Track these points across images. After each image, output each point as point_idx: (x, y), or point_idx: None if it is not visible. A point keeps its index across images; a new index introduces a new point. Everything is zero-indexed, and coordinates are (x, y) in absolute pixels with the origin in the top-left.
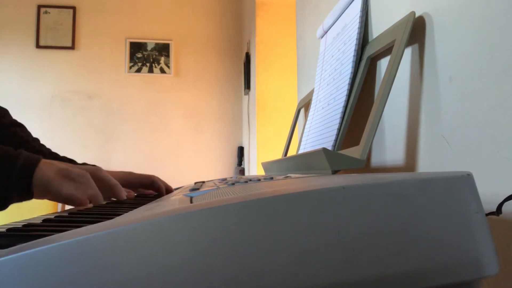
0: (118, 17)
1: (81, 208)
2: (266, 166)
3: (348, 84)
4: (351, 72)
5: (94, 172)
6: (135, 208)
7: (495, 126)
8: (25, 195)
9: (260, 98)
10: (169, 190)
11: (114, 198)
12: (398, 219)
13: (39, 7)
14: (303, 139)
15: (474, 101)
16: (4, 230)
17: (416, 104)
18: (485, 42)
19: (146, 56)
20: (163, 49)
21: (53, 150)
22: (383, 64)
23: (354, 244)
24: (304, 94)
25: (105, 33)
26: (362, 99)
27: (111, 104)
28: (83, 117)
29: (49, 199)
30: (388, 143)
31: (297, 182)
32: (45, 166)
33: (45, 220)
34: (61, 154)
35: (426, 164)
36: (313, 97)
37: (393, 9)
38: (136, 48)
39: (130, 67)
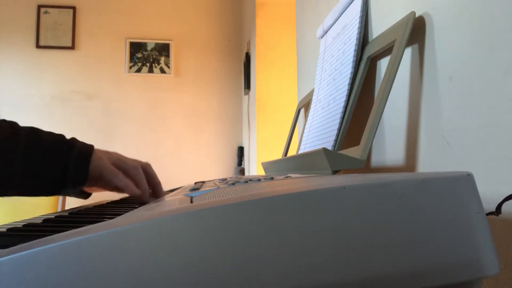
0: (118, 17)
1: (81, 208)
2: (266, 166)
3: (348, 84)
4: (351, 72)
5: (145, 167)
6: (135, 208)
7: (495, 126)
8: (80, 181)
9: (260, 98)
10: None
11: (154, 195)
12: (398, 219)
13: (39, 7)
14: (303, 139)
15: (474, 101)
16: (4, 230)
17: (416, 104)
18: (485, 42)
19: (146, 56)
20: (163, 49)
21: None
22: (383, 64)
23: (355, 244)
24: (304, 94)
25: (105, 33)
26: (362, 99)
27: (111, 104)
28: (83, 117)
29: (99, 187)
30: (388, 143)
31: (298, 182)
32: (100, 155)
33: (45, 220)
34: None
35: (426, 164)
36: (313, 97)
37: (393, 9)
38: (136, 48)
39: (130, 67)
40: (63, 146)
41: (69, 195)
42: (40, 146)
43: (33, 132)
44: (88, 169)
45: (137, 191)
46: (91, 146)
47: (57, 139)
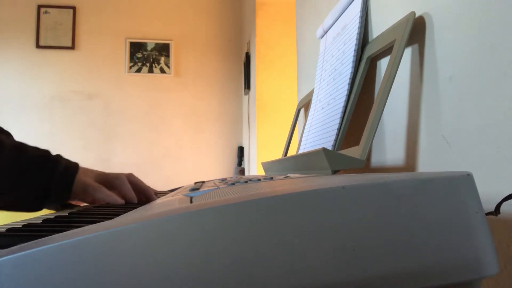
0: (118, 17)
1: (81, 208)
2: (266, 166)
3: (348, 84)
4: (351, 72)
5: (128, 177)
6: (135, 208)
7: (495, 126)
8: (64, 197)
9: (260, 98)
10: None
11: (146, 200)
12: (398, 219)
13: (39, 7)
14: (303, 139)
15: (474, 101)
16: (4, 230)
17: (416, 104)
18: (485, 42)
19: (146, 56)
20: (163, 49)
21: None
22: (383, 64)
23: (354, 244)
24: (304, 94)
25: (105, 33)
26: (362, 99)
27: (111, 104)
28: (83, 117)
29: (81, 201)
30: (388, 143)
31: (297, 182)
32: (83, 172)
33: (45, 220)
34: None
35: (426, 164)
36: (313, 97)
37: (393, 9)
38: (136, 48)
39: (130, 67)
40: (48, 163)
41: (52, 209)
42: (25, 161)
43: (19, 147)
44: (72, 185)
45: (119, 200)
46: (76, 164)
47: (42, 155)
